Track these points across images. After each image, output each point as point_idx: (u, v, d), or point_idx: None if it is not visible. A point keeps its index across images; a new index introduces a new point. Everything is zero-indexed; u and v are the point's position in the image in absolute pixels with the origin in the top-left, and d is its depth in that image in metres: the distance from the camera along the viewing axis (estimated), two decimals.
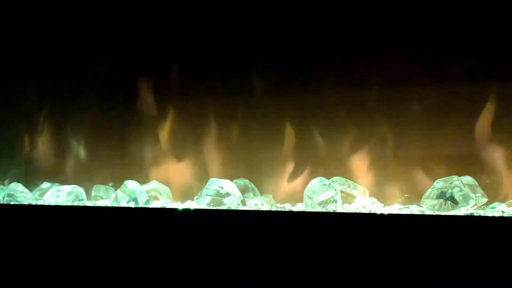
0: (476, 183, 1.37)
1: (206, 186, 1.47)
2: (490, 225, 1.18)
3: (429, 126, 1.54)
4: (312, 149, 1.64)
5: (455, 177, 1.33)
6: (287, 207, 1.44)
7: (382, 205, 1.47)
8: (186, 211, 1.38)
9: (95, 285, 1.40)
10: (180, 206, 1.51)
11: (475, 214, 1.28)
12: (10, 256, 1.47)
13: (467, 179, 1.37)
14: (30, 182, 1.79)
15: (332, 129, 1.62)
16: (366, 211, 1.39)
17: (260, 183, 1.63)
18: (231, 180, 1.50)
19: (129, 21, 1.81)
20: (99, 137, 1.86)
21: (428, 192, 1.33)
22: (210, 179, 1.48)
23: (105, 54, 1.83)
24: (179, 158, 1.76)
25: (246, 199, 1.50)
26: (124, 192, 1.52)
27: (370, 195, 1.49)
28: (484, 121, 1.50)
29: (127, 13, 1.80)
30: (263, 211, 1.40)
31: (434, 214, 1.29)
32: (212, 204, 1.44)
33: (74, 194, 1.58)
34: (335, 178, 1.47)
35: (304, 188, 1.40)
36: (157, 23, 1.78)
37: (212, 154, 1.73)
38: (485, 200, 1.36)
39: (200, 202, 1.45)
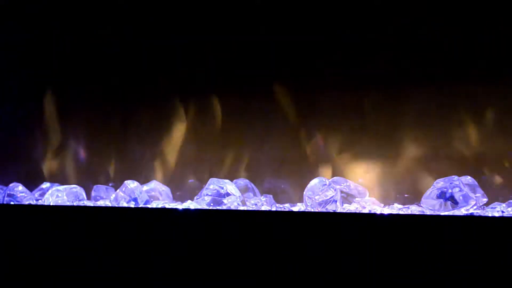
0: (476, 183, 1.37)
1: (206, 186, 1.47)
2: (490, 225, 1.18)
3: (429, 126, 1.54)
4: (312, 149, 1.63)
5: (455, 177, 1.33)
6: (287, 207, 1.44)
7: (382, 205, 1.47)
8: (186, 211, 1.38)
9: (95, 285, 1.40)
10: (180, 206, 1.51)
11: (475, 214, 1.28)
12: (10, 256, 1.46)
13: (467, 179, 1.37)
14: (30, 182, 1.79)
15: (333, 128, 1.62)
16: (366, 211, 1.39)
17: (260, 183, 1.63)
18: (231, 180, 1.50)
19: (130, 21, 1.81)
20: (99, 137, 1.85)
21: (428, 192, 1.33)
22: (210, 179, 1.48)
23: (106, 54, 1.83)
24: (179, 157, 1.76)
25: (246, 199, 1.50)
26: (124, 192, 1.52)
27: (370, 195, 1.49)
28: (485, 121, 1.50)
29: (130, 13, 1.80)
30: (263, 211, 1.40)
31: (434, 214, 1.29)
32: (212, 204, 1.44)
33: (74, 194, 1.57)
34: (335, 178, 1.47)
35: (304, 188, 1.40)
36: (157, 24, 1.78)
37: (213, 154, 1.73)
38: (485, 200, 1.36)
39: (200, 202, 1.45)
